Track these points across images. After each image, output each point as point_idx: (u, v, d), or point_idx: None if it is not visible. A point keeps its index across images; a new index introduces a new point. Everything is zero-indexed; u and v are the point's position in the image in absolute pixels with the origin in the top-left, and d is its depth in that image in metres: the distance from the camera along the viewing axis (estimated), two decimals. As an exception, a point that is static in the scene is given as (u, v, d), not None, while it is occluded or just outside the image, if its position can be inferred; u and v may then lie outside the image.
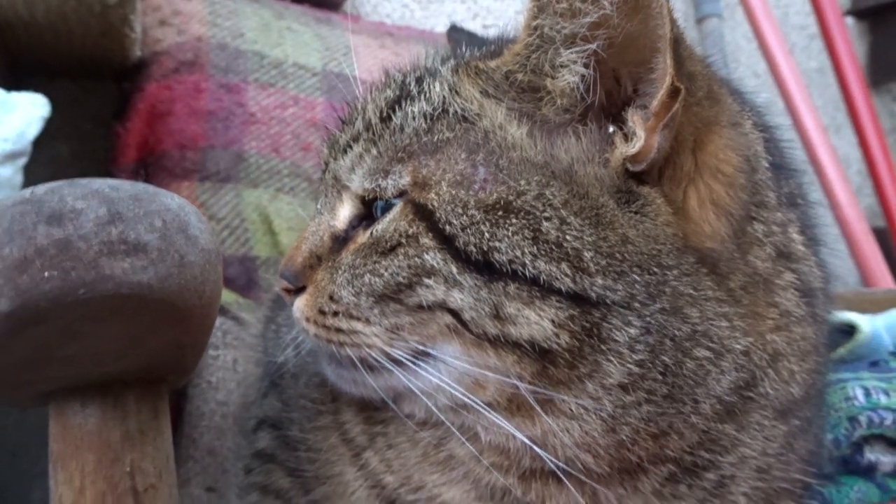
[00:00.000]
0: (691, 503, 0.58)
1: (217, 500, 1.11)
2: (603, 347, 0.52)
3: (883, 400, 0.75)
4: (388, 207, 0.57)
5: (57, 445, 0.55)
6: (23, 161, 1.11)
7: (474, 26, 2.07)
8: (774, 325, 0.56)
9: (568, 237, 0.52)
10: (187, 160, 1.43)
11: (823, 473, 0.74)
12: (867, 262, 1.85)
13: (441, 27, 2.06)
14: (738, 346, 0.54)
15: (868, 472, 0.76)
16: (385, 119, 0.59)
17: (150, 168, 1.42)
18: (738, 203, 0.55)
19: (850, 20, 2.66)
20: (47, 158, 1.52)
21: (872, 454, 0.76)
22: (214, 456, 1.18)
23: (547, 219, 0.52)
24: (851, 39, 2.55)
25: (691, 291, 0.53)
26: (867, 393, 0.76)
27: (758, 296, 0.56)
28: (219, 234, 1.41)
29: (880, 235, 2.18)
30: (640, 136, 0.53)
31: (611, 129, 0.54)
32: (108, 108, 1.49)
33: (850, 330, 0.91)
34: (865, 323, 0.90)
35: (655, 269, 0.52)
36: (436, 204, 0.54)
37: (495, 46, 0.61)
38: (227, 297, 1.35)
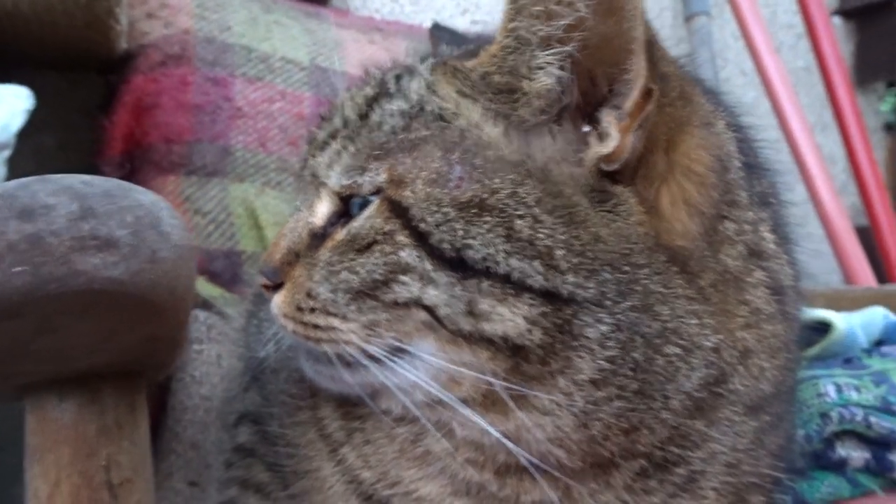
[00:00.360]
0: (661, 498, 0.59)
1: (200, 494, 1.12)
2: (574, 344, 0.53)
3: (854, 396, 0.77)
4: (365, 205, 0.58)
5: (33, 439, 0.55)
6: (6, 153, 1.11)
7: (463, 21, 2.07)
8: (745, 323, 0.57)
9: (540, 235, 0.53)
10: (173, 154, 1.43)
11: (795, 468, 0.75)
12: (849, 260, 1.87)
13: (430, 22, 2.06)
14: (708, 343, 0.55)
15: (839, 467, 0.77)
16: (363, 116, 0.60)
17: (136, 161, 1.41)
18: (709, 202, 0.56)
19: (837, 20, 2.68)
20: (32, 150, 1.51)
21: (843, 450, 0.77)
22: (197, 450, 1.18)
23: (520, 217, 0.53)
24: (838, 39, 2.57)
25: (662, 289, 0.54)
26: (839, 389, 0.78)
27: (728, 293, 0.57)
28: (204, 228, 1.41)
29: (864, 234, 2.21)
30: (613, 136, 0.53)
31: (586, 129, 0.55)
32: (95, 101, 1.48)
33: (825, 328, 0.92)
34: (840, 321, 0.91)
35: (626, 268, 0.53)
36: (411, 201, 0.55)
37: (474, 46, 0.62)
38: (213, 291, 1.35)
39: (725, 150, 0.58)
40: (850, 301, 1.33)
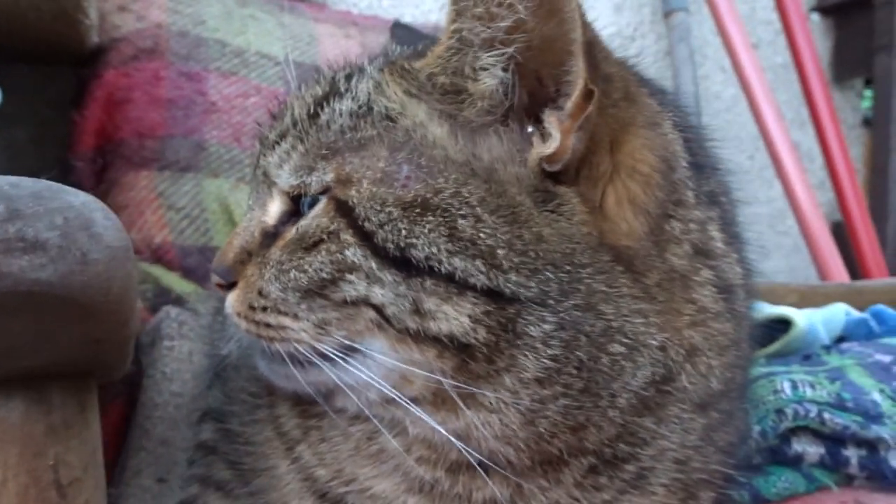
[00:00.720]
0: (611, 494, 0.60)
1: (168, 491, 1.11)
2: (518, 342, 0.53)
3: (808, 393, 0.77)
4: (314, 204, 0.58)
5: (-20, 439, 0.55)
6: (-27, 148, 1.10)
7: (441, 17, 2.07)
8: (691, 321, 0.58)
9: (482, 234, 0.53)
10: (146, 149, 1.42)
11: (750, 465, 0.76)
12: (823, 256, 1.88)
13: (409, 17, 2.05)
14: (654, 342, 0.56)
15: (795, 462, 0.78)
16: (313, 116, 0.60)
17: (108, 156, 1.41)
18: (655, 202, 0.56)
19: (815, 16, 2.69)
20: (4, 144, 1.50)
21: (799, 445, 0.78)
22: (168, 447, 1.17)
23: (462, 216, 0.53)
24: (817, 35, 2.59)
25: (605, 289, 0.54)
26: (794, 386, 0.78)
27: (674, 292, 0.57)
28: (178, 223, 1.41)
29: (840, 230, 2.23)
30: (555, 136, 0.54)
31: (530, 130, 0.55)
32: (68, 95, 1.46)
33: (786, 325, 0.93)
34: (801, 318, 0.92)
35: (569, 267, 0.53)
36: (356, 200, 0.55)
37: (422, 46, 0.62)
38: (186, 287, 1.34)
39: (671, 150, 0.59)
40: (822, 297, 1.35)
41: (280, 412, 0.69)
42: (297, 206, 0.60)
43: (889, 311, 1.07)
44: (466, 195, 0.54)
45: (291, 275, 0.57)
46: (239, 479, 0.76)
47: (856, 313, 1.05)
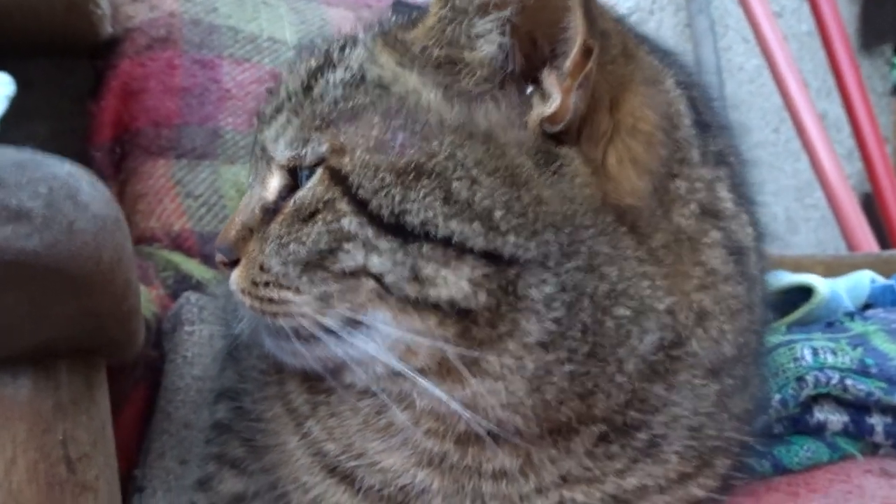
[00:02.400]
0: (624, 463, 0.59)
1: (189, 472, 1.13)
2: (520, 305, 0.52)
3: (830, 360, 0.75)
4: (311, 177, 0.57)
5: (-11, 417, 0.55)
6: (-9, 140, 1.11)
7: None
8: (700, 284, 0.56)
9: (478, 196, 0.52)
10: (162, 138, 1.43)
11: (769, 433, 0.75)
12: (852, 227, 1.84)
13: (422, -2, 2.04)
14: (661, 306, 0.54)
15: (818, 431, 0.76)
16: (307, 88, 0.59)
17: (126, 146, 1.42)
18: (657, 160, 0.55)
19: (841, -18, 2.61)
20: (24, 138, 1.52)
21: (822, 413, 0.76)
22: (190, 430, 1.19)
23: (458, 179, 0.52)
24: (842, 2, 2.51)
25: (608, 250, 0.53)
26: (815, 353, 0.76)
27: (682, 254, 0.56)
28: (196, 211, 1.42)
29: (869, 201, 2.17)
30: (555, 96, 0.53)
31: (529, 90, 0.54)
32: (86, 87, 1.48)
33: (808, 292, 0.90)
34: (823, 285, 0.89)
35: (570, 229, 0.52)
36: (349, 168, 0.54)
37: (417, 15, 0.61)
38: (206, 273, 1.35)
39: (674, 108, 0.57)
40: (849, 267, 1.31)
41: (289, 388, 0.69)
42: (295, 180, 0.60)
43: (917, 277, 1.04)
44: (461, 157, 0.53)
45: (291, 248, 0.57)
46: (252, 456, 0.77)
47: (881, 280, 1.02)
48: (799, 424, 0.77)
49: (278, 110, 0.60)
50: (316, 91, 0.58)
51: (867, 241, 1.83)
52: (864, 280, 0.98)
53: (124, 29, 1.45)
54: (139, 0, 1.50)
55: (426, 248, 0.52)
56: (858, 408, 0.76)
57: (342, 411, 0.65)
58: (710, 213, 0.58)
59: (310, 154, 0.57)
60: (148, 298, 1.17)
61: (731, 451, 0.62)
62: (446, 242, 0.52)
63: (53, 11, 1.28)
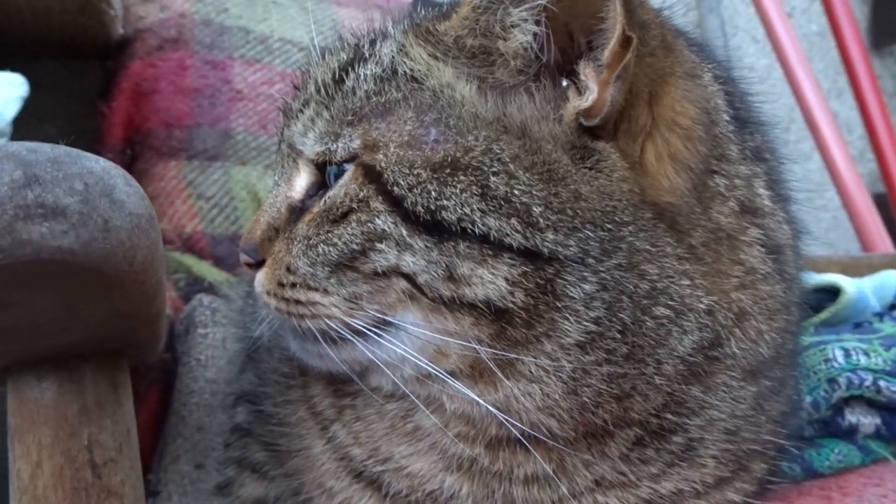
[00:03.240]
0: (659, 467, 0.57)
1: (206, 476, 1.12)
2: (558, 304, 0.51)
3: (863, 361, 0.74)
4: (340, 174, 0.56)
5: (14, 420, 0.54)
6: (3, 141, 1.10)
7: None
8: (739, 283, 0.55)
9: (516, 191, 0.51)
10: (174, 139, 1.42)
11: (801, 436, 0.73)
12: (866, 227, 1.82)
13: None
14: (701, 305, 0.53)
15: (849, 434, 0.75)
16: (338, 82, 0.58)
17: (137, 147, 1.41)
18: (696, 156, 0.53)
19: (851, -19, 2.60)
20: (34, 139, 1.51)
21: (853, 416, 0.74)
22: (204, 433, 1.18)
23: (495, 174, 0.51)
24: (853, 1, 2.50)
25: (648, 247, 0.52)
26: (847, 354, 0.75)
27: (721, 252, 0.54)
28: (208, 212, 1.41)
29: (882, 201, 2.15)
30: (592, 89, 0.51)
31: (564, 83, 0.53)
32: (97, 89, 1.47)
33: (835, 292, 0.89)
34: (850, 285, 0.88)
35: (609, 226, 0.51)
36: (384, 165, 0.53)
37: (448, 7, 0.60)
38: (218, 275, 1.34)
39: (713, 103, 0.56)
40: (867, 268, 1.29)
41: (313, 392, 0.68)
42: (323, 177, 0.58)
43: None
44: (498, 151, 0.52)
45: (320, 249, 0.56)
46: (274, 461, 0.75)
47: (908, 280, 1.00)
48: (830, 427, 0.75)
49: (306, 103, 0.59)
50: (347, 85, 0.57)
51: (882, 241, 1.81)
52: (890, 280, 0.96)
53: (135, 30, 1.44)
54: (150, 1, 1.50)
55: (462, 245, 0.51)
56: (891, 410, 0.75)
57: (368, 415, 0.64)
58: (748, 210, 0.56)
59: (341, 149, 0.55)
60: (162, 300, 1.16)
61: (767, 455, 0.61)
62: (483, 239, 0.51)
63: (66, 12, 1.28)
